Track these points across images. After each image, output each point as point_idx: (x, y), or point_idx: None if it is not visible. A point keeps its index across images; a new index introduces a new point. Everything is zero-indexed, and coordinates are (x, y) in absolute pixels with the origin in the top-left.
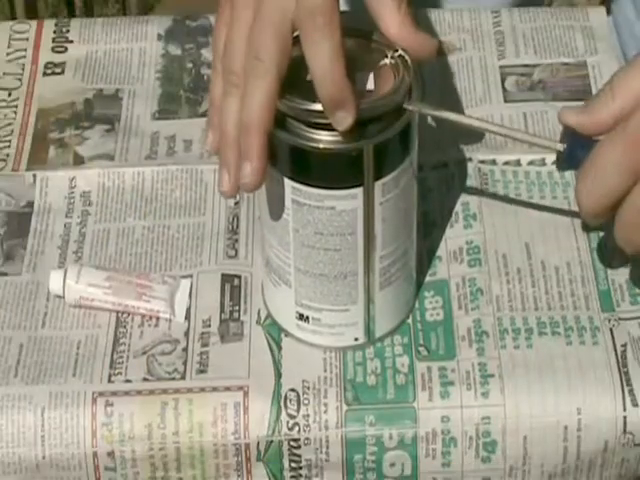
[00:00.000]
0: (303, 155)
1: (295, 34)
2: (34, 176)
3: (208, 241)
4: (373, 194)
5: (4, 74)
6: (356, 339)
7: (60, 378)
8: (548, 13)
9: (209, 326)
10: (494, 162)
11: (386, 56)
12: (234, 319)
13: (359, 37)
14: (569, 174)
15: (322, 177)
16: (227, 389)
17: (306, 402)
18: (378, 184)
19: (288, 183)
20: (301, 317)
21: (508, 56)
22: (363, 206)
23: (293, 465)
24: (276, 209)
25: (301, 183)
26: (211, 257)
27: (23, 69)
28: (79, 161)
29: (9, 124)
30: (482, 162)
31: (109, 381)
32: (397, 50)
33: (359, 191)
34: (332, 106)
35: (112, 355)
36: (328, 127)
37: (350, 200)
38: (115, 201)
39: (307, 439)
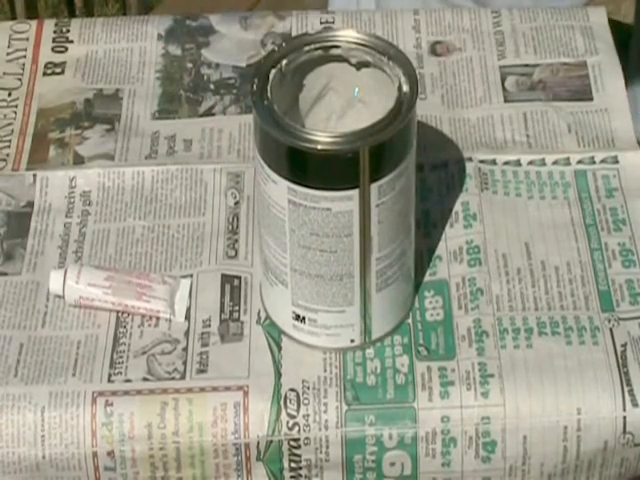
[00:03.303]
0: (299, 156)
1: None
2: (34, 176)
3: (208, 241)
4: (369, 196)
5: (4, 74)
6: (352, 340)
7: (60, 378)
8: (548, 13)
9: (209, 326)
10: (494, 162)
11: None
12: (234, 319)
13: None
14: (569, 174)
15: (318, 178)
16: (227, 389)
17: (306, 402)
18: (374, 186)
19: (284, 183)
20: (297, 317)
21: (508, 56)
22: (359, 208)
23: (293, 465)
24: (273, 209)
25: (297, 184)
26: (211, 257)
27: (23, 69)
28: (79, 161)
29: (9, 124)
30: (482, 162)
31: (109, 381)
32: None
33: (355, 193)
34: None
35: (112, 355)
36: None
37: (346, 202)
38: (115, 201)
39: (307, 439)
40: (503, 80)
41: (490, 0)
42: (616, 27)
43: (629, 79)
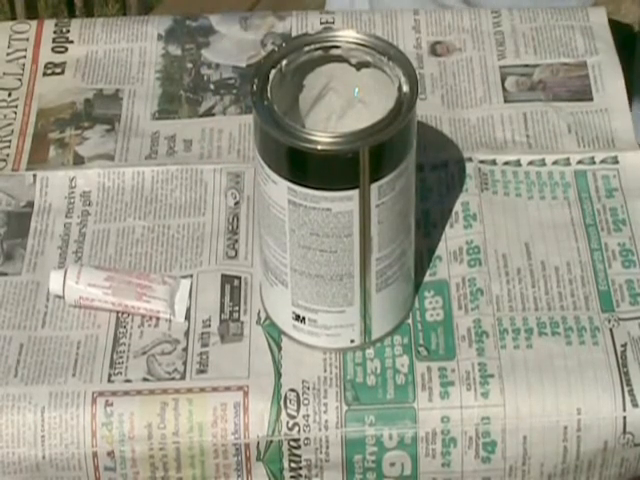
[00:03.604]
0: (299, 156)
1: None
2: (34, 176)
3: (208, 241)
4: (369, 196)
5: (4, 74)
6: (352, 341)
7: (60, 378)
8: (548, 13)
9: (209, 326)
10: (494, 162)
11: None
12: (234, 319)
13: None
14: (569, 174)
15: (318, 178)
16: (227, 389)
17: (306, 402)
18: (374, 186)
19: (284, 184)
20: (297, 318)
21: (508, 56)
22: (359, 208)
23: (293, 465)
24: (273, 209)
25: (297, 184)
26: (211, 257)
27: (23, 69)
28: (79, 161)
29: (9, 124)
30: (482, 162)
31: (109, 381)
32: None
33: (355, 193)
34: None
35: (112, 355)
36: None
37: (346, 202)
38: (115, 201)
39: (307, 439)
40: (503, 80)
41: (480, 1)
42: (616, 27)
43: (635, 80)
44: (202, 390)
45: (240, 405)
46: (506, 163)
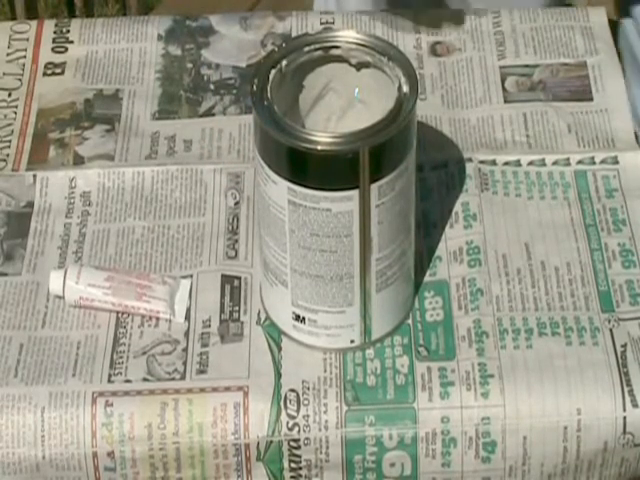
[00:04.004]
0: (299, 156)
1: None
2: (34, 176)
3: (208, 241)
4: (369, 196)
5: (4, 74)
6: (352, 341)
7: (60, 378)
8: (548, 13)
9: (209, 326)
10: (494, 162)
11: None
12: (234, 319)
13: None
14: (569, 174)
15: (318, 178)
16: (227, 389)
17: (306, 402)
18: (374, 186)
19: (284, 184)
20: (297, 318)
21: (508, 56)
22: (359, 208)
23: (293, 465)
24: (272, 210)
25: (297, 184)
26: (211, 257)
27: (23, 69)
28: (79, 161)
29: (9, 124)
30: (482, 162)
31: (109, 381)
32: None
33: (355, 193)
34: None
35: (112, 355)
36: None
37: (346, 202)
38: (115, 201)
39: (307, 439)
40: (503, 80)
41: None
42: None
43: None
44: (202, 390)
45: (240, 405)
46: (506, 163)
